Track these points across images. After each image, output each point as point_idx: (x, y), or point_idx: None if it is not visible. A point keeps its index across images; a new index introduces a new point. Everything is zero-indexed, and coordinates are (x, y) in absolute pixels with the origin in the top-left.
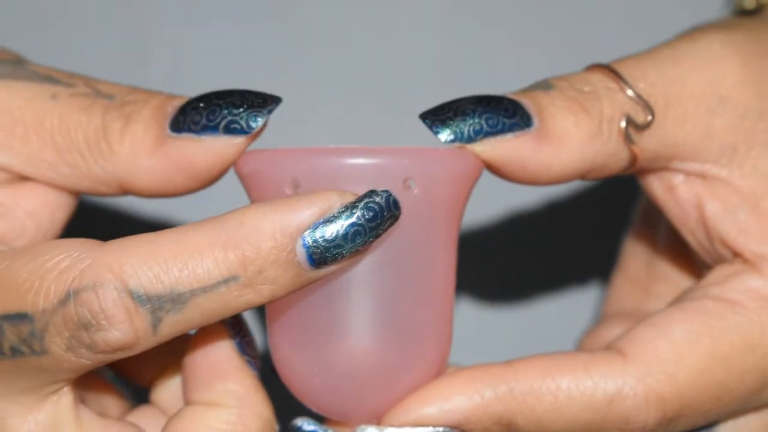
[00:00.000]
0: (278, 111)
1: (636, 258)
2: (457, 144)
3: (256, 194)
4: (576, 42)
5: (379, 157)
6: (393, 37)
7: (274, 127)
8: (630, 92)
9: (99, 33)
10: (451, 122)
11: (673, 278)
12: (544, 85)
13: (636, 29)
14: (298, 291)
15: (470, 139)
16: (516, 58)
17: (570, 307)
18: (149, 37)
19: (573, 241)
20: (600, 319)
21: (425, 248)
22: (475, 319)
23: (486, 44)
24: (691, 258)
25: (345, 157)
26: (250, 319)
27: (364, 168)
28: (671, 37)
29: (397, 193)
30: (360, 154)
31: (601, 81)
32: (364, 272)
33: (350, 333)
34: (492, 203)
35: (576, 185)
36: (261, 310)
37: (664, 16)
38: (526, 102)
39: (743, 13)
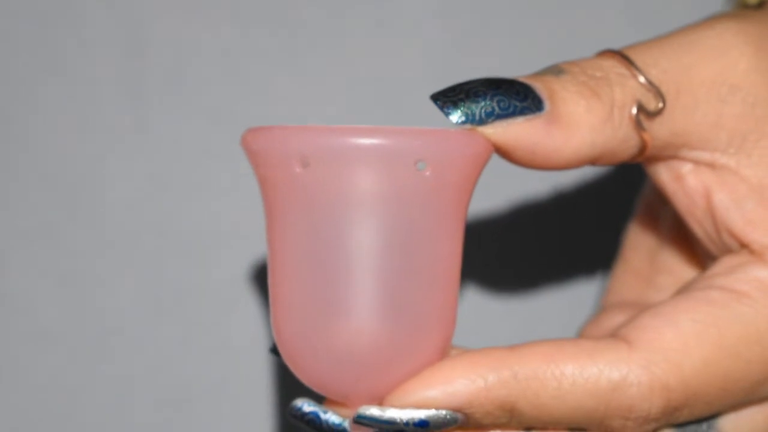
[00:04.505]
0: (278, 108)
1: (638, 249)
2: (467, 126)
3: (263, 171)
4: (575, 36)
5: (390, 137)
6: (394, 34)
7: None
8: (642, 79)
9: (98, 32)
10: (463, 104)
11: (675, 270)
12: (556, 70)
13: (636, 26)
14: (300, 268)
15: (481, 121)
16: (518, 51)
17: (575, 297)
18: (149, 36)
19: (579, 231)
20: (600, 308)
21: (432, 230)
22: (479, 307)
23: (488, 37)
24: (694, 249)
25: (356, 136)
26: (252, 295)
27: (375, 148)
28: (682, 26)
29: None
30: (371, 134)
31: (613, 67)
32: (369, 252)
33: (353, 313)
34: (497, 192)
35: (583, 174)
36: (264, 288)
37: (663, 12)
38: (538, 86)
39: (746, 8)
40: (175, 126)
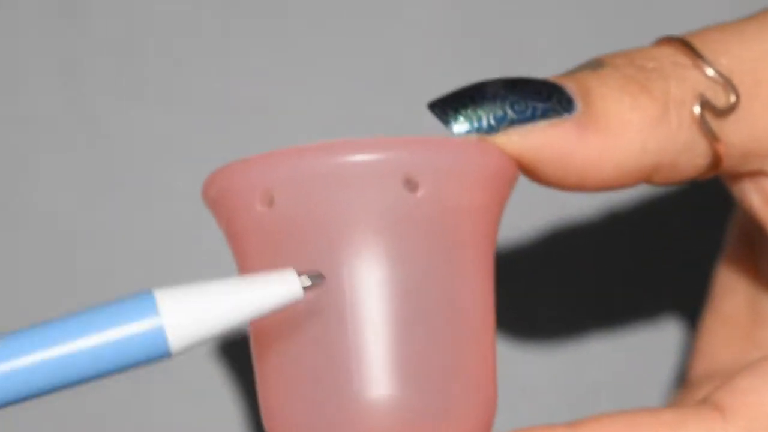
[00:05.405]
0: (267, 100)
1: (733, 293)
2: (474, 136)
3: (225, 221)
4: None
5: (367, 152)
6: (395, 15)
7: (263, 118)
8: (709, 70)
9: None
10: (466, 109)
11: None
12: (594, 64)
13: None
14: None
15: (491, 129)
16: (542, 37)
17: (636, 347)
18: (146, 36)
19: (641, 263)
20: (688, 379)
21: (441, 269)
22: (512, 359)
23: (504, 20)
24: None
25: (324, 156)
26: (231, 362)
27: (349, 167)
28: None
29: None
30: (344, 151)
31: (669, 56)
32: (365, 303)
33: (357, 380)
34: (531, 213)
35: (645, 190)
36: (245, 351)
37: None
38: (569, 84)
39: None
40: (127, 117)
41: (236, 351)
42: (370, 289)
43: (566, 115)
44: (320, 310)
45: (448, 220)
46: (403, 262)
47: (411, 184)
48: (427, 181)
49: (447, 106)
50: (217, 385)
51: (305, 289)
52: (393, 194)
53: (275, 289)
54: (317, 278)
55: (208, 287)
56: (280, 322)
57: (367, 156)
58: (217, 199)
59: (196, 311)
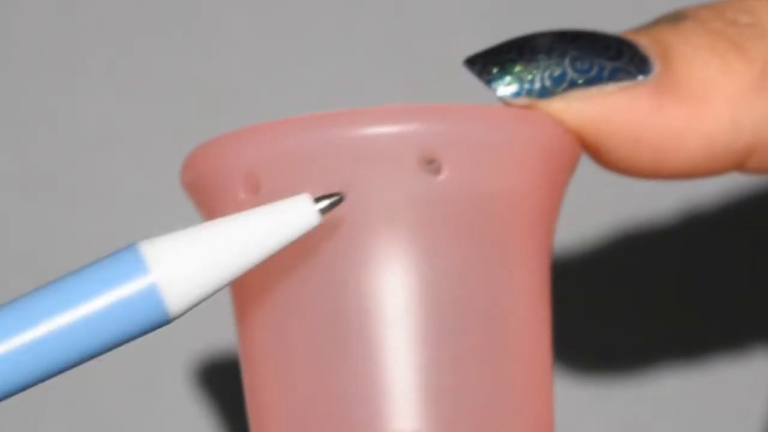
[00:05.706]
0: (265, 65)
1: None
2: (523, 100)
3: (206, 213)
4: None
5: (370, 124)
6: None
7: (261, 85)
8: None
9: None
10: (515, 66)
11: None
12: (674, 17)
13: None
14: (288, 357)
15: (544, 92)
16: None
17: (720, 384)
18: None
19: (729, 278)
20: None
21: (475, 270)
22: (564, 397)
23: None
24: None
25: (317, 130)
26: (216, 391)
27: (349, 144)
28: None
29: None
30: (340, 123)
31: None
32: (381, 317)
33: (370, 412)
34: (590, 210)
35: (736, 181)
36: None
37: None
38: (644, 40)
39: None
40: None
41: (221, 377)
42: (384, 299)
43: (640, 78)
44: (322, 325)
45: (483, 210)
46: (425, 262)
47: (431, 165)
48: (452, 161)
49: (489, 63)
50: (200, 418)
51: (324, 207)
52: (407, 178)
53: (287, 212)
54: (335, 198)
55: (205, 228)
56: (275, 341)
57: (370, 129)
58: (193, 186)
59: (192, 259)
